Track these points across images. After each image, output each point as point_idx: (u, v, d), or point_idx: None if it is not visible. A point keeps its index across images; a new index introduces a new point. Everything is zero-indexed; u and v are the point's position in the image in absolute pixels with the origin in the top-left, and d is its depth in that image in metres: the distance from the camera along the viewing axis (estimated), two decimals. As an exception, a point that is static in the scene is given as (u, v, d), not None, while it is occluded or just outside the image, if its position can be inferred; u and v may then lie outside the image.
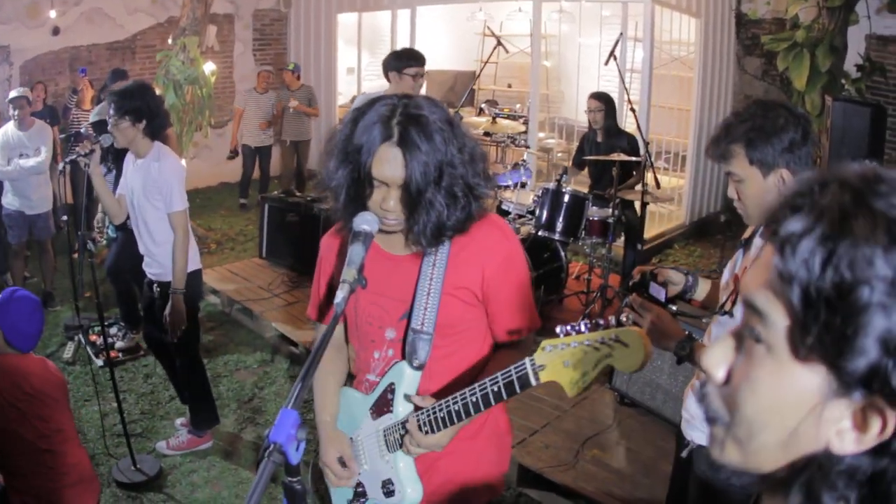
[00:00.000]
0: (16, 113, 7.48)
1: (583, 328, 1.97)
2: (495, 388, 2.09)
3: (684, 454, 2.92)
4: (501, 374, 2.09)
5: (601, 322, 1.94)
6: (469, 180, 2.19)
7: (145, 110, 4.67)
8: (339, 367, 2.66)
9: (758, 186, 2.46)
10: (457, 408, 2.15)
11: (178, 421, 5.52)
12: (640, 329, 1.91)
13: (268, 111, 11.31)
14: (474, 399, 2.12)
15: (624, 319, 1.95)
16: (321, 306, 2.61)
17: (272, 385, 6.17)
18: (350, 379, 2.69)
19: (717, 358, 0.95)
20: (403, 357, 2.35)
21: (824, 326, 0.79)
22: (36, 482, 3.59)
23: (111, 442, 5.20)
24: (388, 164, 2.11)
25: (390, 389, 2.37)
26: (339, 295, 1.88)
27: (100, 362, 6.37)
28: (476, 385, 2.13)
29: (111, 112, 4.67)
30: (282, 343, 6.82)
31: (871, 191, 0.81)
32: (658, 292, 2.73)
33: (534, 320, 2.45)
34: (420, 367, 2.32)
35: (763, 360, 0.88)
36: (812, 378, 0.83)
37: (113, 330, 6.77)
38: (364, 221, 2.10)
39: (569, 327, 1.99)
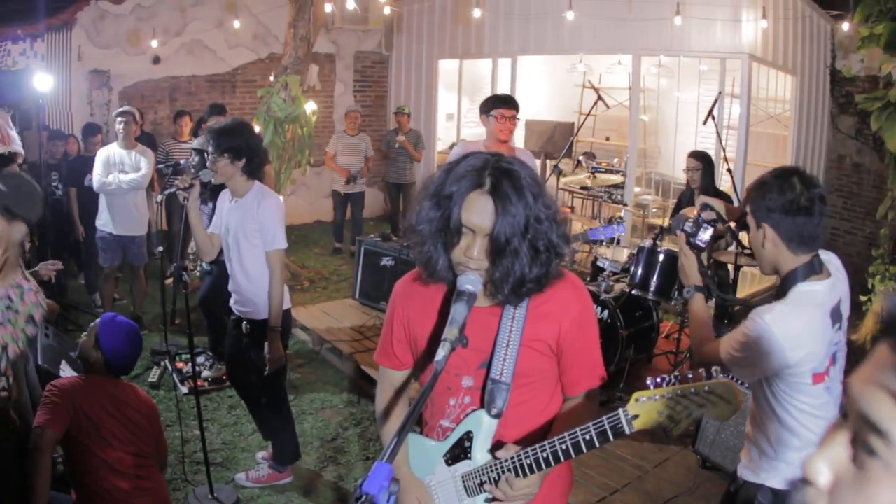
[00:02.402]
0: (121, 127, 7.61)
1: (674, 380, 2.01)
2: (587, 437, 2.12)
3: (732, 488, 3.09)
4: (594, 424, 2.12)
5: (690, 375, 1.99)
6: (552, 238, 2.23)
7: (245, 149, 4.69)
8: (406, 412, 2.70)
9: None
10: (545, 455, 2.18)
11: (260, 454, 5.57)
12: (732, 381, 1.94)
13: (359, 155, 11.30)
14: (564, 447, 2.15)
15: (714, 373, 1.98)
16: (390, 353, 2.65)
17: (357, 426, 6.18)
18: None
19: (822, 465, 0.86)
20: (481, 405, 2.38)
21: None
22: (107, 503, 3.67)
23: (190, 469, 5.28)
24: (478, 211, 2.15)
25: (468, 437, 2.41)
26: (441, 353, 1.94)
27: (185, 389, 6.49)
28: (566, 434, 2.16)
29: (210, 149, 4.70)
30: (369, 385, 6.80)
31: None
32: (706, 231, 3.14)
33: (601, 373, 2.51)
34: (498, 416, 2.35)
35: (881, 477, 0.77)
36: None
37: (200, 359, 6.90)
38: (468, 281, 2.16)
39: (659, 379, 2.04)
